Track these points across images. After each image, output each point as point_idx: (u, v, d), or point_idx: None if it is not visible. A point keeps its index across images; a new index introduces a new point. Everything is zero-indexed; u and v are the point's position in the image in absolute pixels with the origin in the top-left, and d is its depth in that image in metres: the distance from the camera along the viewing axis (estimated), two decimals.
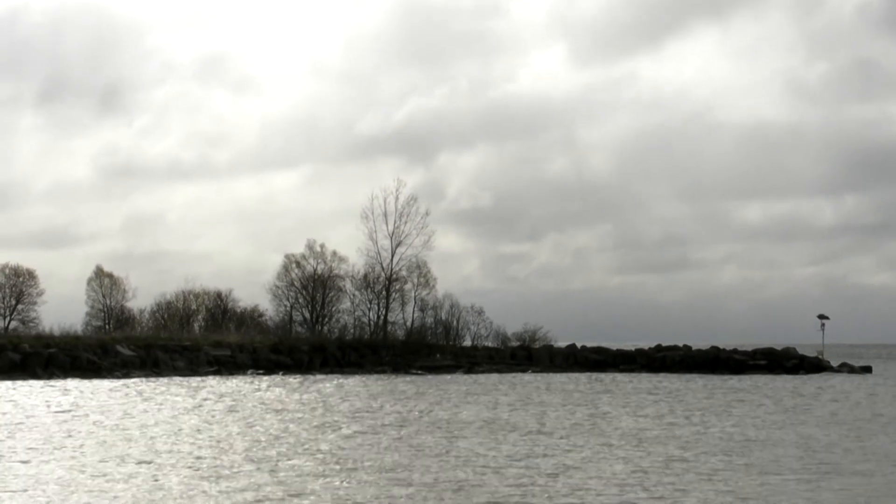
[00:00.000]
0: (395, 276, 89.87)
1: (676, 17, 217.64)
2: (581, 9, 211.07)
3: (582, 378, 74.07)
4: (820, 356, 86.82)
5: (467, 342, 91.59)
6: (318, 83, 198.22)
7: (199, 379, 66.97)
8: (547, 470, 25.59)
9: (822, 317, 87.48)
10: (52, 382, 60.53)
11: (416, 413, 42.07)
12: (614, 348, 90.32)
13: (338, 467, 25.86)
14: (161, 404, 45.54)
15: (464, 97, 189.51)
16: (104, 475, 24.37)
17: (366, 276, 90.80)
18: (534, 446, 30.64)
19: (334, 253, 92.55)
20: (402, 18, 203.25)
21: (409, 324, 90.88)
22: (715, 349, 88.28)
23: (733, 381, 71.99)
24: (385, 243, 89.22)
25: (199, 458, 27.54)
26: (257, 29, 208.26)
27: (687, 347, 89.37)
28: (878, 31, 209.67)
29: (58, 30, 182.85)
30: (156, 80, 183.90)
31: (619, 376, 77.77)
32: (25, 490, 22.28)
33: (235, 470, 25.31)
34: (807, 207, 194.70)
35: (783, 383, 69.38)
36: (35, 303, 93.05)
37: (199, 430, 34.35)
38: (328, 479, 23.95)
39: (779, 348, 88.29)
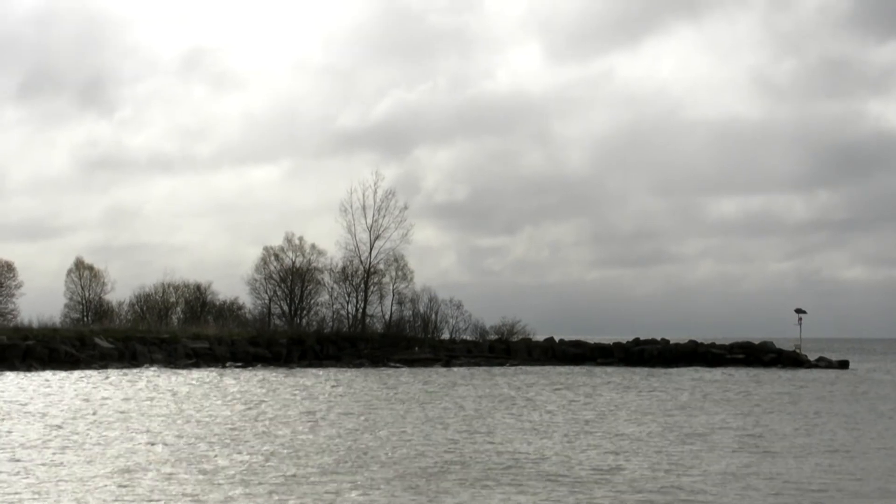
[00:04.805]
0: (373, 269, 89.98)
1: (652, 15, 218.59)
2: (558, 6, 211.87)
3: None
4: (797, 350, 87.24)
5: (445, 335, 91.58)
6: (299, 78, 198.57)
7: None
8: None
9: (799, 311, 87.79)
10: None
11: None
12: (592, 342, 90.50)
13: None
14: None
15: (442, 93, 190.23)
16: None
17: (344, 269, 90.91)
18: None
19: (313, 246, 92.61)
20: (382, 14, 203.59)
21: (387, 317, 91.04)
22: (693, 343, 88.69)
23: (703, 372, 72.52)
24: (363, 236, 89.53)
25: None
26: (239, 24, 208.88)
27: (665, 341, 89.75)
28: (846, 30, 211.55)
29: (42, 24, 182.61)
30: (138, 75, 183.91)
31: (597, 369, 78.18)
32: None
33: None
34: (780, 203, 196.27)
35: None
36: (13, 295, 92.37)
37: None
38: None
39: (756, 342, 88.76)
